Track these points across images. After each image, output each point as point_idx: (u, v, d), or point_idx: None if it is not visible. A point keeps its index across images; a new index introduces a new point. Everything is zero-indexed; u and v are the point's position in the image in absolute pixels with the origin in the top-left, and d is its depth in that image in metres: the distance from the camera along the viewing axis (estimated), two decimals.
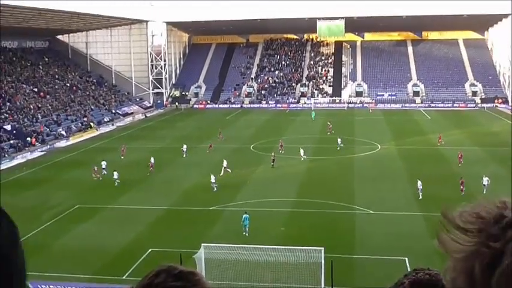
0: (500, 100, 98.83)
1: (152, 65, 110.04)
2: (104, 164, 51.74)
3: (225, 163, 50.75)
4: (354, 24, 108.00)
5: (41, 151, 67.34)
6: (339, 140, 61.37)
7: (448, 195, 40.07)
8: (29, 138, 69.22)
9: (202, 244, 29.34)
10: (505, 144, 60.65)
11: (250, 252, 30.13)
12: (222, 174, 49.35)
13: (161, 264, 1.67)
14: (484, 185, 40.74)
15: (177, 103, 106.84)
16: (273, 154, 54.25)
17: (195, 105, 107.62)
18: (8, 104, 77.10)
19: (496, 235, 1.10)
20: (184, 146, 60.13)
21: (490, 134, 69.34)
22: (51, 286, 26.90)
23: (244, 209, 36.97)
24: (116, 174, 47.82)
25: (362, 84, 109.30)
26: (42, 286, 26.89)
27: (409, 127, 75.85)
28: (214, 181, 45.17)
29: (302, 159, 54.91)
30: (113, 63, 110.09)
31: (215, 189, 44.65)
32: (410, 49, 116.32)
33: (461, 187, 41.64)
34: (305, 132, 71.89)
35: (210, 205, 40.84)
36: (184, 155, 58.63)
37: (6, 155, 63.02)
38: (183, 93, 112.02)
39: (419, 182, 41.46)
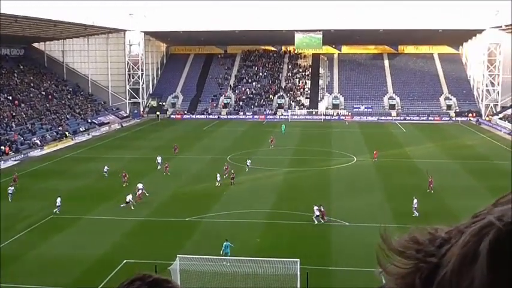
0: (473, 114, 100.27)
1: (129, 75, 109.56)
2: (106, 167, 54.03)
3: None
4: (332, 37, 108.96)
5: (15, 160, 66.48)
6: (248, 161, 57.12)
7: (422, 208, 40.51)
8: (2, 147, 68.28)
9: (177, 255, 29.22)
10: (477, 157, 61.76)
11: (225, 264, 30.08)
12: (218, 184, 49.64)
13: (136, 273, 1.66)
14: (415, 207, 40.10)
15: (158, 113, 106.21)
16: (232, 172, 51.46)
17: (172, 116, 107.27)
18: None
19: (432, 252, 1.20)
20: (159, 158, 59.59)
21: (463, 147, 70.43)
22: None
23: (222, 220, 36.89)
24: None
25: (339, 96, 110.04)
26: None
27: (385, 140, 76.50)
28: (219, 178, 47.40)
29: (246, 169, 54.93)
30: (90, 72, 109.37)
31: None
32: (386, 62, 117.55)
33: (430, 186, 45.06)
34: (281, 144, 72.00)
35: (186, 216, 40.67)
36: (159, 167, 58.12)
37: None
38: (160, 103, 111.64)
39: (415, 200, 40.52)
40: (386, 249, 1.29)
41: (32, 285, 29.02)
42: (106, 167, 54.75)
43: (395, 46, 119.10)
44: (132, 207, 43.25)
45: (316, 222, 38.55)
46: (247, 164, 55.95)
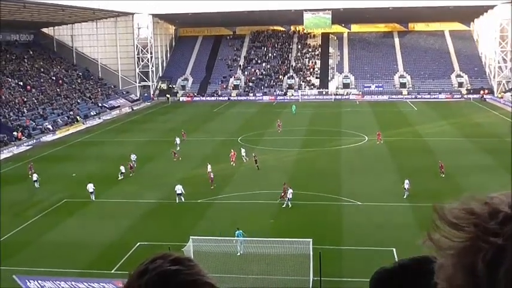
0: (486, 91, 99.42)
1: (139, 58, 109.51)
2: (133, 157, 51.73)
3: (243, 152, 52.37)
4: (341, 16, 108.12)
5: (27, 145, 66.93)
6: (243, 150, 53.65)
7: (434, 186, 40.45)
8: (15, 133, 68.77)
9: (190, 237, 29.36)
10: (490, 135, 61.29)
11: (238, 255, 30.18)
12: (244, 161, 51.20)
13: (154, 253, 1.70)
14: (405, 188, 39.61)
15: (168, 96, 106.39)
16: (254, 155, 50.65)
17: (182, 98, 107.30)
18: None
19: (494, 230, 1.09)
20: (177, 139, 60.06)
21: (475, 125, 69.85)
22: (39, 281, 26.79)
23: (234, 202, 36.93)
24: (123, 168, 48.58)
25: (349, 76, 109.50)
26: (31, 281, 26.78)
27: (396, 118, 76.18)
28: (210, 170, 45.79)
29: (244, 160, 51.93)
30: (99, 56, 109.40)
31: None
32: (396, 41, 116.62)
33: (441, 170, 44.37)
34: (292, 125, 71.89)
35: (198, 198, 40.82)
36: (178, 148, 58.51)
37: None
38: (170, 86, 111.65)
39: (406, 181, 40.17)
40: (437, 219, 1.20)
41: (47, 268, 29.30)
42: (133, 156, 52.01)
43: (406, 24, 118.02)
44: (120, 177, 46.49)
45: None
46: (243, 153, 52.75)
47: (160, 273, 1.62)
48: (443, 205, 1.21)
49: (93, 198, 41.61)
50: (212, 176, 44.09)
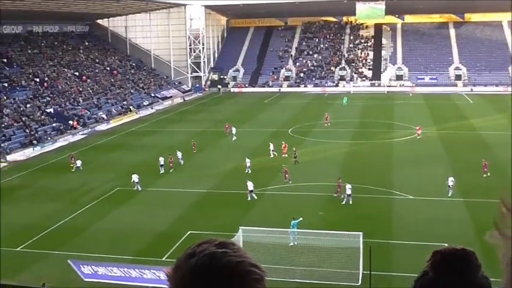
0: None
1: (191, 49, 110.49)
2: (179, 154, 50.17)
3: (271, 146, 51.29)
4: (394, 7, 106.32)
5: (82, 134, 68.54)
6: (271, 146, 51.66)
7: (488, 182, 39.49)
8: (70, 122, 70.50)
9: (240, 227, 29.51)
10: None
11: (288, 236, 30.20)
12: (271, 156, 50.38)
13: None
14: (449, 186, 38.15)
15: (219, 86, 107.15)
16: (294, 150, 49.61)
17: (233, 89, 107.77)
18: (50, 87, 78.53)
19: None
20: (234, 129, 60.47)
21: None
22: (92, 266, 27.44)
23: (291, 193, 36.74)
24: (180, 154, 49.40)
25: (402, 67, 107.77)
26: (84, 266, 27.46)
27: (450, 111, 74.55)
28: (249, 164, 45.63)
29: (272, 155, 50.87)
30: (152, 47, 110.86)
31: (249, 171, 45.07)
32: (452, 31, 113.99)
33: (484, 169, 41.92)
34: (343, 117, 71.33)
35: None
36: (234, 137, 59.02)
37: (49, 138, 64.36)
38: (221, 76, 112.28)
39: (450, 178, 38.60)
40: (505, 210, 1.17)
41: (100, 254, 29.98)
42: (179, 153, 50.73)
43: (462, 14, 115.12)
44: (162, 171, 46.13)
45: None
46: (271, 148, 51.33)
47: (208, 255, 1.71)
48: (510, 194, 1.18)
49: (139, 188, 42.13)
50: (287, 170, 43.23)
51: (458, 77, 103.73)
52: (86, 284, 26.49)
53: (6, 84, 72.92)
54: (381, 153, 51.69)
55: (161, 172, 46.52)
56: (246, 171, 45.28)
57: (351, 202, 37.03)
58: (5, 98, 69.30)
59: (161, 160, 47.01)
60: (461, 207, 35.71)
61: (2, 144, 58.91)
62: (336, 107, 79.97)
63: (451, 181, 38.27)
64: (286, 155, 50.14)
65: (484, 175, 41.74)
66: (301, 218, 31.27)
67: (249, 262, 1.76)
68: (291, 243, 30.00)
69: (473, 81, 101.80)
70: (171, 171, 47.08)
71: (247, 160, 46.21)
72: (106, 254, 30.05)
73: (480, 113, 72.29)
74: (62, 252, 30.37)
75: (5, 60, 79.44)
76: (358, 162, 48.75)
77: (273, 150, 51.02)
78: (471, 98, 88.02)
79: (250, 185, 39.13)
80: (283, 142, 51.77)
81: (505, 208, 1.16)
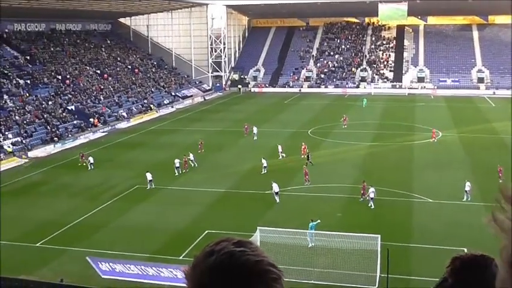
0: None
1: (212, 48, 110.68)
2: (192, 156, 49.28)
3: (280, 148, 50.99)
4: (417, 8, 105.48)
5: (103, 132, 68.98)
6: (279, 146, 51.79)
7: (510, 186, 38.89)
8: (91, 119, 71.02)
9: (258, 227, 29.48)
10: None
11: (305, 237, 30.08)
12: (280, 158, 49.96)
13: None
14: (466, 191, 37.51)
15: (239, 86, 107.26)
16: (306, 150, 49.73)
17: (253, 89, 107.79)
18: (72, 85, 79.18)
19: None
20: (255, 128, 60.47)
21: None
22: (110, 263, 27.59)
23: (308, 194, 36.60)
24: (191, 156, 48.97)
25: (424, 69, 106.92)
26: (102, 263, 27.62)
27: (472, 114, 73.79)
28: (265, 165, 45.73)
29: (280, 157, 50.55)
30: (173, 46, 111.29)
31: (264, 171, 45.12)
32: (475, 34, 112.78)
33: (500, 175, 40.83)
34: (364, 118, 70.95)
35: (267, 189, 40.85)
36: (255, 137, 59.18)
37: (70, 135, 64.90)
38: (242, 76, 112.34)
39: (467, 183, 37.93)
40: (503, 201, 1.16)
41: (118, 251, 30.14)
42: (192, 155, 50.12)
43: (485, 16, 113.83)
44: (177, 173, 45.50)
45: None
46: (279, 150, 51.09)
47: (226, 253, 1.73)
48: (510, 186, 1.17)
49: (152, 186, 42.25)
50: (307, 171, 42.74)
51: (480, 80, 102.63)
52: (104, 280, 26.61)
53: (28, 81, 73.69)
54: (401, 156, 51.32)
55: (176, 174, 45.77)
56: (262, 171, 45.21)
57: (372, 206, 36.60)
58: (27, 94, 70.05)
59: (176, 162, 46.49)
60: (481, 212, 35.28)
61: (24, 141, 59.55)
62: (356, 109, 79.56)
63: (467, 186, 37.71)
64: (304, 157, 49.40)
65: (500, 180, 40.81)
66: (319, 220, 31.09)
67: (267, 261, 1.77)
68: (310, 245, 29.84)
69: (496, 84, 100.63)
70: (185, 171, 46.78)
71: (263, 161, 46.21)
72: (124, 252, 30.21)
73: (502, 116, 71.29)
74: (81, 249, 30.59)
75: (28, 57, 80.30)
76: (377, 164, 48.46)
77: (281, 152, 50.72)
78: (493, 101, 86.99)
79: (275, 187, 38.55)
80: (303, 143, 51.51)
81: (504, 199, 1.15)
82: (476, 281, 1.66)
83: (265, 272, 1.75)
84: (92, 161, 49.39)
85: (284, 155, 50.69)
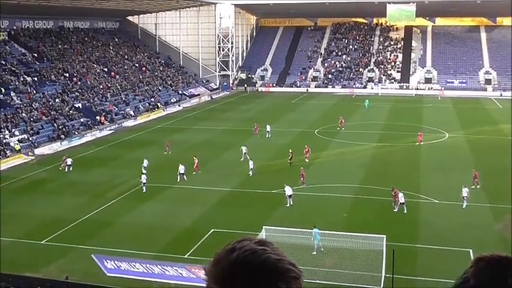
0: None
1: (219, 47, 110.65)
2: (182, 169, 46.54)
3: (244, 149, 50.41)
4: (425, 9, 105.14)
5: (110, 130, 69.09)
6: (244, 148, 51.21)
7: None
8: (98, 117, 71.15)
9: (263, 226, 29.48)
10: None
11: (311, 237, 30.04)
12: (242, 159, 49.32)
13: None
14: (464, 197, 36.72)
15: (245, 85, 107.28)
16: (290, 151, 48.77)
17: (261, 88, 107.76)
18: (79, 82, 79.36)
19: None
20: (268, 126, 60.76)
21: None
22: (115, 261, 27.63)
23: (312, 194, 36.52)
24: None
25: (431, 70, 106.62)
26: (108, 261, 27.66)
27: (479, 116, 73.56)
28: (245, 151, 47.76)
29: (242, 158, 49.64)
30: (181, 44, 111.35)
31: (251, 174, 44.91)
32: (483, 35, 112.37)
33: (475, 180, 40.25)
34: (370, 119, 70.80)
35: (273, 188, 40.86)
36: (268, 135, 59.61)
37: (77, 133, 65.06)
38: (249, 75, 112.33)
39: (465, 189, 37.12)
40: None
41: (123, 249, 30.18)
42: (244, 148, 50.83)
43: (494, 18, 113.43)
44: (186, 178, 43.83)
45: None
46: (244, 151, 50.40)
47: (248, 250, 1.77)
48: None
49: (185, 178, 43.33)
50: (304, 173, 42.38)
51: (488, 82, 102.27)
52: (109, 279, 26.66)
53: (36, 79, 73.88)
54: (407, 156, 51.23)
55: (178, 180, 43.86)
56: (242, 158, 47.57)
57: (405, 210, 35.66)
58: (34, 92, 70.24)
59: (181, 169, 44.24)
60: (487, 213, 35.18)
61: (30, 138, 59.72)
62: (362, 109, 79.41)
63: (465, 192, 36.94)
64: (308, 161, 48.68)
65: (473, 186, 39.67)
66: (319, 228, 30.31)
67: (287, 261, 1.82)
68: (314, 252, 29.35)
69: (503, 86, 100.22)
70: (193, 173, 45.83)
71: (243, 147, 49.18)
72: (129, 250, 30.26)
73: (509, 118, 71.05)
74: (86, 247, 30.67)
75: (36, 54, 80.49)
76: (384, 164, 48.36)
77: (245, 153, 49.69)
78: (500, 103, 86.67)
79: (288, 190, 37.64)
80: (306, 146, 50.72)
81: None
82: (501, 283, 1.65)
83: (286, 271, 1.80)
84: (69, 163, 48.10)
85: (248, 156, 48.61)
